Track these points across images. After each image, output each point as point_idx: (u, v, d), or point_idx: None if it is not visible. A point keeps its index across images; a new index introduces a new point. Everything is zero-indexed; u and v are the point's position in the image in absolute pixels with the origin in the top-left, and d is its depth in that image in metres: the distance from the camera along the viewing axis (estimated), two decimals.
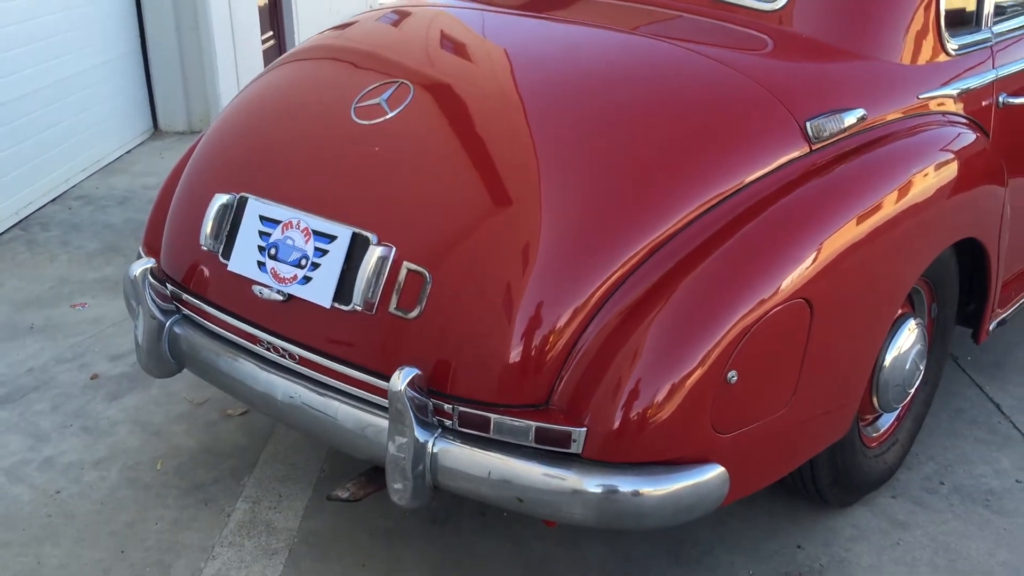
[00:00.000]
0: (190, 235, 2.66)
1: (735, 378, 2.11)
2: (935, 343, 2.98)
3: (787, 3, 2.72)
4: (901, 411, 2.96)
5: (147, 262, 2.66)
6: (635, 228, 2.18)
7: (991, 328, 3.18)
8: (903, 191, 2.48)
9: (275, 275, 2.40)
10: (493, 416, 2.11)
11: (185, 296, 2.69)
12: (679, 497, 2.06)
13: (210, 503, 2.95)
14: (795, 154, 2.37)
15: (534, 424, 2.08)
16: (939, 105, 2.79)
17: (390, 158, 2.38)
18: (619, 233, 2.17)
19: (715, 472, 2.10)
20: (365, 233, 2.29)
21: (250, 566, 2.67)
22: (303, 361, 2.39)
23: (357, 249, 2.29)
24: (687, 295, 2.12)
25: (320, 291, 2.32)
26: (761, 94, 2.40)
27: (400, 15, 3.07)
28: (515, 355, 2.11)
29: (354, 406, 2.29)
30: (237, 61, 7.06)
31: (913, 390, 2.83)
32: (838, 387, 2.41)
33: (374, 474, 2.38)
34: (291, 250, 2.39)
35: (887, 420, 2.94)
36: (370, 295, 2.23)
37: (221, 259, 2.55)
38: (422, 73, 2.56)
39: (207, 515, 2.89)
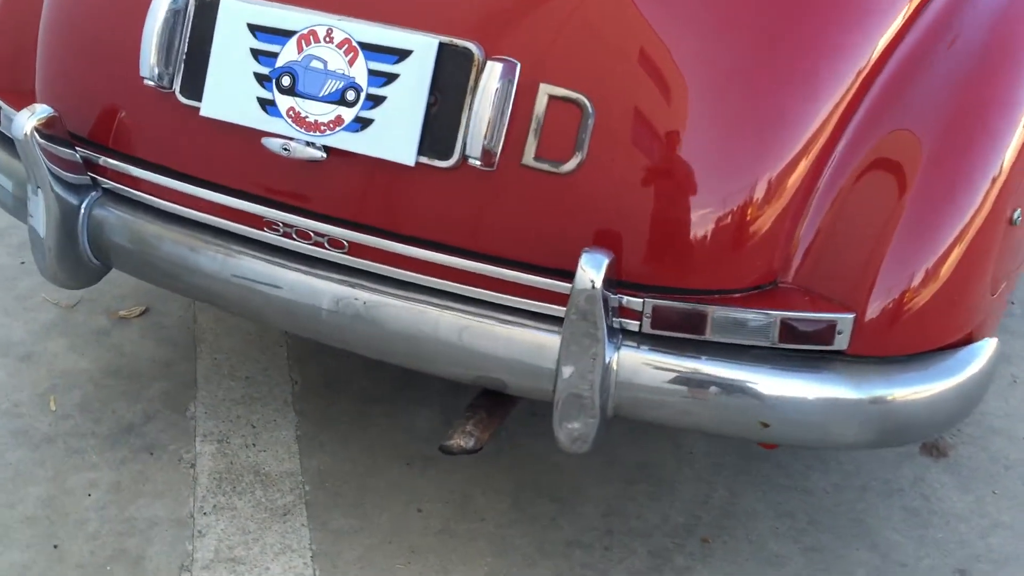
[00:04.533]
0: (111, 64, 1.68)
1: (1020, 218, 1.53)
2: None
3: None
4: None
5: (40, 111, 1.66)
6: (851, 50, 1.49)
7: None
8: None
9: (298, 120, 1.51)
10: (712, 309, 1.42)
11: (109, 163, 1.73)
12: (969, 388, 1.50)
13: (157, 451, 2.08)
14: None
15: (778, 315, 1.41)
16: None
17: None
18: (835, 56, 1.48)
19: (993, 346, 1.55)
20: (461, 43, 1.45)
21: (260, 538, 1.87)
22: (358, 250, 1.56)
23: (447, 69, 1.45)
24: (947, 130, 1.48)
25: (393, 140, 1.47)
26: None
27: None
28: (727, 217, 1.42)
29: (469, 313, 1.51)
30: None
31: None
32: None
33: (488, 403, 1.63)
34: (323, 77, 1.50)
35: None
36: (490, 141, 1.42)
37: (183, 99, 1.61)
38: None
39: (161, 471, 2.03)
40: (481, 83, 1.43)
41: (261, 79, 1.54)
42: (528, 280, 1.47)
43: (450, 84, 1.46)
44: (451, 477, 2.04)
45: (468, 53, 1.44)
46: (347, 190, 1.54)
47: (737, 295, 1.44)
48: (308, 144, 1.51)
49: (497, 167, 1.44)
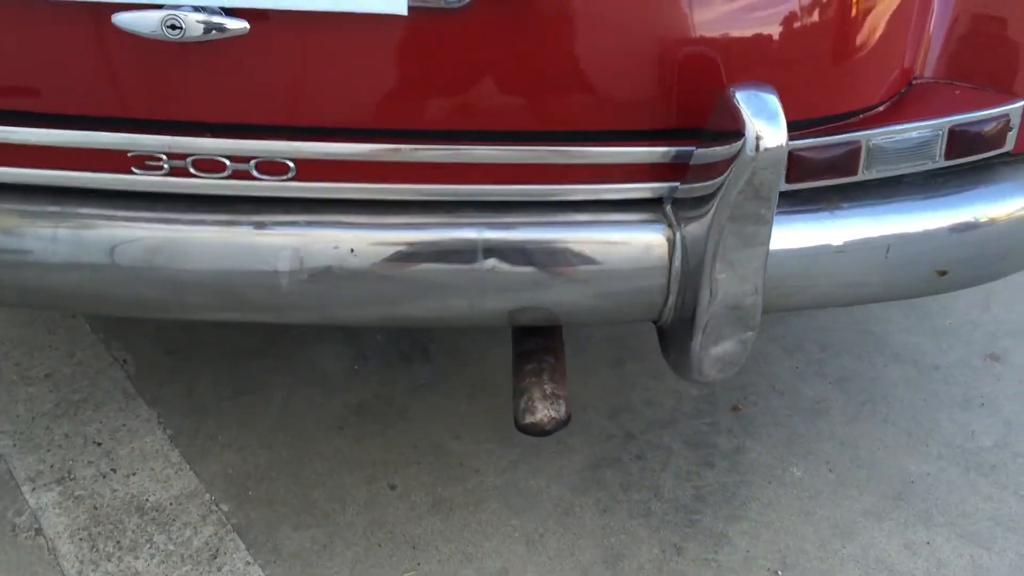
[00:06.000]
0: None
1: None
2: None
3: None
4: None
5: None
6: None
7: None
8: None
9: None
10: (865, 136, 1.01)
11: None
12: None
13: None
14: None
15: (946, 122, 1.03)
16: None
17: None
18: None
19: None
20: None
21: None
22: (314, 170, 0.97)
23: None
24: None
25: None
26: None
27: None
28: (848, 10, 0.99)
29: (516, 225, 1.00)
30: None
31: None
32: None
33: (546, 347, 1.13)
34: None
35: None
36: None
37: None
38: None
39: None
40: None
41: None
42: (600, 155, 0.97)
43: None
44: (400, 429, 1.55)
45: None
46: (284, 77, 0.92)
47: (880, 109, 1.03)
48: (202, 11, 0.86)
49: None
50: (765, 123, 0.86)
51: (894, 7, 1.01)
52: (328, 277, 0.98)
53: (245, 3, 0.86)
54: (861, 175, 1.03)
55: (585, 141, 0.97)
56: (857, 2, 0.98)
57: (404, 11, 0.87)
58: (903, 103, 1.05)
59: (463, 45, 0.91)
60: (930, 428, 1.57)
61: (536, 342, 1.11)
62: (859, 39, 1.00)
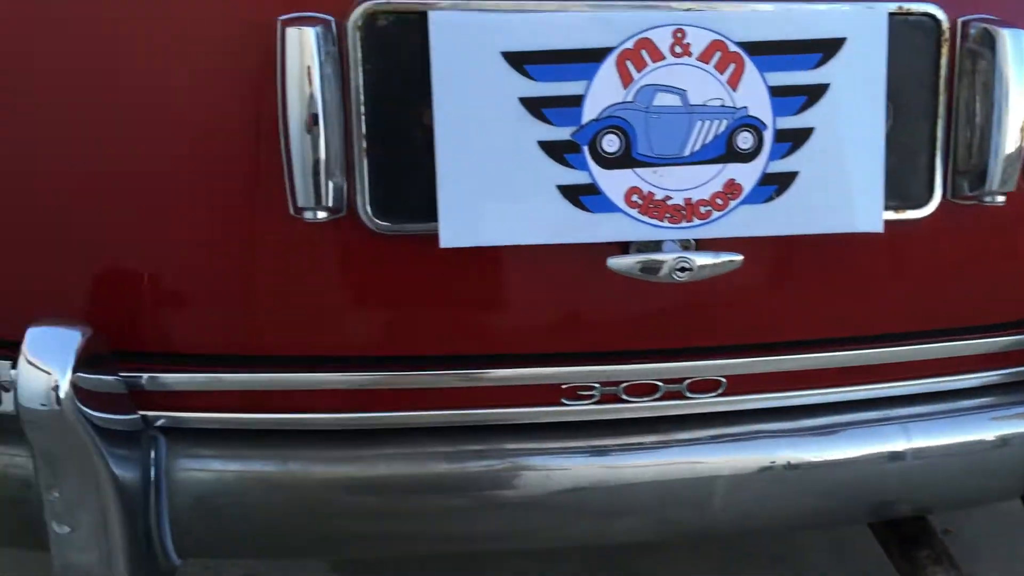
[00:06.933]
0: (205, 201, 0.81)
1: None
2: None
3: None
4: None
5: (67, 337, 0.76)
6: None
7: None
8: None
9: (649, 207, 0.83)
10: None
11: (208, 380, 0.88)
12: None
13: None
14: None
15: None
16: None
17: None
18: None
19: None
20: (919, 6, 0.86)
21: None
22: (751, 383, 0.94)
23: (900, 59, 0.85)
24: None
25: (836, 200, 0.86)
26: None
27: None
28: None
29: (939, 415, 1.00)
30: None
31: None
32: None
33: (927, 536, 1.13)
34: (684, 121, 0.82)
35: None
36: (1000, 155, 0.88)
37: (383, 226, 0.82)
38: None
39: None
40: (969, 65, 0.86)
41: (556, 151, 0.81)
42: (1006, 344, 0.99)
43: (908, 83, 0.86)
44: None
45: (928, 22, 0.86)
46: (740, 300, 0.90)
47: None
48: (684, 249, 0.83)
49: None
50: None
51: None
52: (757, 490, 0.95)
53: (707, 233, 0.83)
54: None
55: (999, 332, 0.98)
56: None
57: (880, 228, 0.86)
58: None
59: (921, 249, 0.91)
60: None
61: (918, 525, 1.10)
62: None
